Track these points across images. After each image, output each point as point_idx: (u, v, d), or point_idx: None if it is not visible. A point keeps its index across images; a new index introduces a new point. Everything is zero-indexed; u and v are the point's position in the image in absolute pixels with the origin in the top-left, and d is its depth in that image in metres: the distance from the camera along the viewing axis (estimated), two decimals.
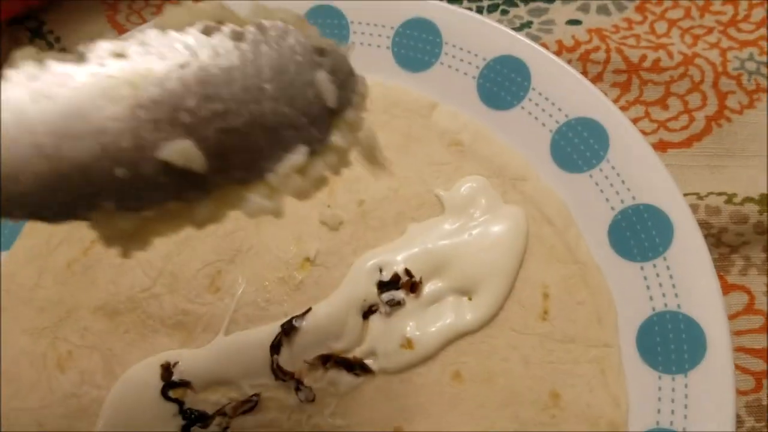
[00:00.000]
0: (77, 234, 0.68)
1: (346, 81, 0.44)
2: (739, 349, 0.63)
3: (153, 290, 0.66)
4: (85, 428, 0.61)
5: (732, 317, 0.64)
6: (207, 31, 0.38)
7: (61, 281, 0.67)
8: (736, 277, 0.66)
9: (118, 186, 0.35)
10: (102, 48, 0.37)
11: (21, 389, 0.63)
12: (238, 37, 0.39)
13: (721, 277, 0.65)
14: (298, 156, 0.40)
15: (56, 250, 0.68)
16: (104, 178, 0.34)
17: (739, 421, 0.61)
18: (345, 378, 0.61)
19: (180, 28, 0.38)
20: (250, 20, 0.40)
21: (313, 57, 0.42)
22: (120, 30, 0.81)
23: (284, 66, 0.40)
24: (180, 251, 0.67)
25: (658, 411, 0.57)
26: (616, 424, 0.58)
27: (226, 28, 0.39)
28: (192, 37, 0.38)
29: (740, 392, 0.62)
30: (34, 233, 0.69)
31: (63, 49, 0.81)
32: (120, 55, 0.36)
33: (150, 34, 0.37)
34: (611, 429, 0.58)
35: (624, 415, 0.58)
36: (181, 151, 0.36)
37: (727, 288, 0.65)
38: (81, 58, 0.36)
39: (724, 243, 0.66)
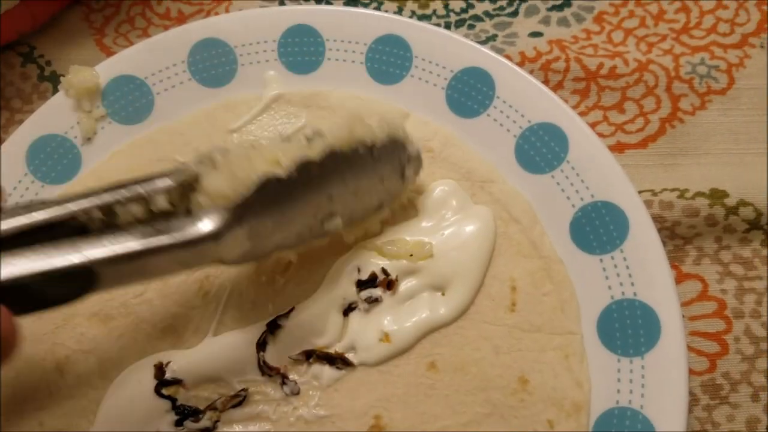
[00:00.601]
0: None
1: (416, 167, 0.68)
2: (693, 333, 0.67)
3: (145, 296, 0.69)
4: (84, 426, 0.65)
5: (687, 304, 0.68)
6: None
7: None
8: (690, 267, 0.70)
9: None
10: None
11: (23, 392, 0.67)
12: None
13: (675, 267, 0.69)
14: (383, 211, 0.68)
15: None
16: None
17: (695, 399, 0.65)
18: (327, 371, 0.65)
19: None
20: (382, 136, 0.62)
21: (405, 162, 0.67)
22: (108, 53, 0.85)
23: (391, 171, 0.65)
24: None
25: (618, 391, 0.61)
26: (580, 404, 0.62)
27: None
28: None
29: (696, 372, 0.66)
30: None
31: (54, 73, 0.85)
32: None
33: None
34: (575, 409, 0.62)
35: (587, 396, 0.62)
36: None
37: (681, 277, 0.69)
38: None
39: (678, 235, 0.71)
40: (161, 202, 0.55)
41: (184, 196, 0.55)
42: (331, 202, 0.60)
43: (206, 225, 0.51)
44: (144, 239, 0.50)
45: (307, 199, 0.58)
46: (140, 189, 0.54)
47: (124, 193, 0.54)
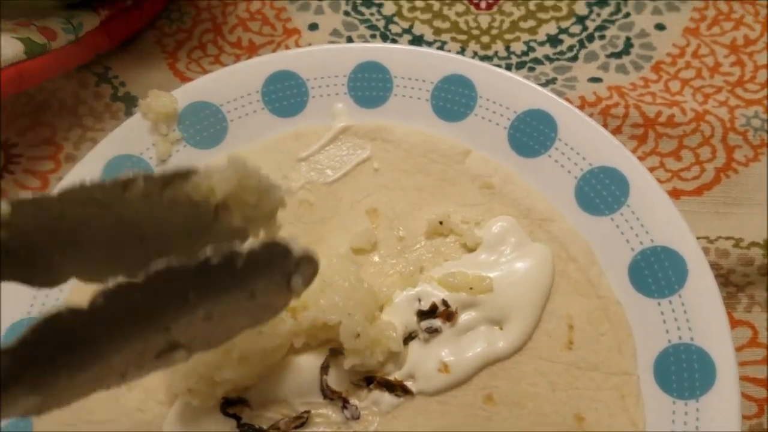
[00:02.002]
0: None
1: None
2: (743, 379, 0.69)
3: None
4: None
5: (737, 349, 0.70)
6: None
7: None
8: (741, 314, 0.72)
9: None
10: None
11: (91, 404, 0.68)
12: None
13: (728, 313, 0.71)
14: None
15: None
16: None
17: None
18: (387, 398, 0.67)
19: None
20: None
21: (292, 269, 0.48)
22: (181, 77, 0.88)
23: (267, 285, 0.47)
24: None
25: None
26: None
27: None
28: None
29: (744, 417, 0.68)
30: None
31: (127, 94, 0.89)
32: None
33: None
34: None
35: None
36: None
37: (733, 323, 0.71)
38: None
39: (731, 283, 0.73)
40: None
41: None
42: (168, 334, 0.43)
43: None
44: None
45: (126, 335, 0.41)
46: None
47: None
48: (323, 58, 0.82)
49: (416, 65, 0.81)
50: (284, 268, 0.47)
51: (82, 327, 0.38)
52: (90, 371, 0.41)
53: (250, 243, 0.44)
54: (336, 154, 0.80)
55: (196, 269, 0.40)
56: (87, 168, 0.77)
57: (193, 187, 0.45)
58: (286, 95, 0.81)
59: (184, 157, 0.79)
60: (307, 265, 0.49)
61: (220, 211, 0.47)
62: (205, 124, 0.80)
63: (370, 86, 0.81)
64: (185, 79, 0.84)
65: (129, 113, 0.87)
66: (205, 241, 0.43)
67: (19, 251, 0.44)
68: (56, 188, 0.42)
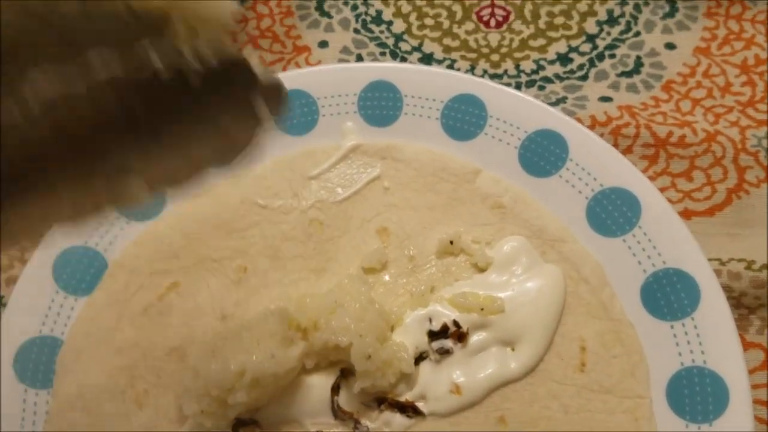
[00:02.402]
0: (154, 281, 0.75)
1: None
2: (756, 401, 0.68)
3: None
4: None
5: (750, 372, 0.69)
6: None
7: (138, 325, 0.73)
8: (753, 336, 0.72)
9: None
10: None
11: (101, 420, 0.69)
12: None
13: (740, 336, 0.71)
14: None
15: (134, 297, 0.74)
16: None
17: None
18: (398, 419, 0.67)
19: None
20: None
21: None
22: None
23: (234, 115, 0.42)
24: (248, 298, 0.74)
25: None
26: None
27: None
28: None
29: None
30: (113, 280, 0.76)
31: None
32: None
33: None
34: None
35: None
36: None
37: (745, 345, 0.71)
38: None
39: (743, 305, 0.73)
40: None
41: None
42: (115, 156, 0.40)
43: None
44: None
45: (73, 155, 0.38)
46: None
47: None
48: (334, 76, 0.82)
49: (426, 84, 0.81)
50: (247, 93, 0.42)
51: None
52: (39, 203, 0.39)
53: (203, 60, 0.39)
54: (346, 173, 0.80)
55: (144, 83, 0.36)
56: None
57: None
58: (296, 113, 0.81)
59: None
60: (274, 91, 0.43)
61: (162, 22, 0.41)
62: None
63: (380, 105, 0.81)
64: None
65: None
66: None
67: None
68: None
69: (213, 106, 0.41)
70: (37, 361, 0.71)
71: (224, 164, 0.46)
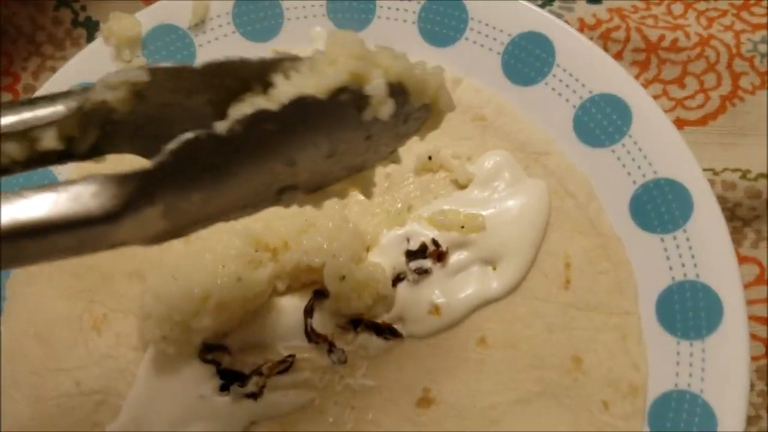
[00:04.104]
0: None
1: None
2: (750, 318, 0.65)
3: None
4: (122, 388, 0.63)
5: (744, 287, 0.66)
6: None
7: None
8: (747, 250, 0.69)
9: None
10: None
11: (57, 351, 0.65)
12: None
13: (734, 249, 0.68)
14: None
15: None
16: None
17: (750, 385, 0.64)
18: (375, 341, 0.64)
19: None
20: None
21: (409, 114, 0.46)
22: (147, 1, 0.81)
23: (383, 127, 0.44)
24: None
25: (677, 374, 0.60)
26: (636, 386, 0.61)
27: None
28: None
29: (751, 358, 0.65)
30: None
31: (89, 18, 0.81)
32: None
33: None
34: (631, 391, 0.61)
35: (644, 378, 0.61)
36: None
37: (739, 260, 0.67)
38: None
39: (737, 217, 0.69)
40: (49, 140, 0.40)
41: (86, 129, 0.42)
42: (292, 168, 0.44)
43: (94, 202, 0.35)
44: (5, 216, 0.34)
45: (258, 164, 0.41)
46: (17, 119, 0.40)
47: None
48: None
49: None
50: (401, 110, 0.44)
51: (217, 153, 0.38)
52: (218, 200, 0.42)
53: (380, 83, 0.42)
54: None
55: (327, 103, 0.40)
56: None
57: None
58: (259, 17, 0.74)
59: None
60: (421, 112, 0.47)
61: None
62: (171, 50, 0.74)
63: (351, 7, 0.74)
64: (150, 2, 0.77)
65: (91, 40, 0.80)
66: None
67: (153, 125, 0.44)
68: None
69: (374, 122, 0.43)
70: None
71: (361, 170, 0.50)
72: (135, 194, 0.36)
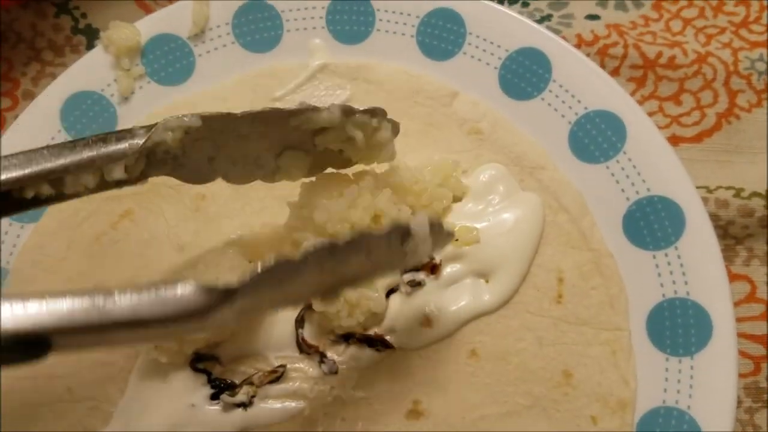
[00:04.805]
0: (105, 208, 0.70)
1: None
2: (740, 335, 0.66)
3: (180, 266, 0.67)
4: (114, 396, 0.64)
5: (735, 305, 0.66)
6: None
7: (89, 254, 0.69)
8: (739, 267, 0.69)
9: None
10: None
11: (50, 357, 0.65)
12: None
13: (725, 267, 0.68)
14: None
15: (85, 223, 0.70)
16: None
17: (738, 401, 0.64)
18: (366, 353, 0.64)
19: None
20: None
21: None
22: (146, 10, 0.82)
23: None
24: (207, 228, 0.69)
25: (665, 390, 0.61)
26: (625, 401, 0.61)
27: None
28: None
29: (740, 375, 0.64)
30: (62, 206, 0.70)
31: (89, 26, 0.82)
32: None
33: None
34: (620, 406, 0.61)
35: (633, 394, 0.61)
36: None
37: (731, 277, 0.68)
38: None
39: (730, 235, 0.69)
40: (118, 172, 0.51)
41: (147, 164, 0.53)
42: (339, 278, 0.50)
43: (190, 300, 0.41)
44: (98, 309, 0.40)
45: (316, 277, 0.48)
46: (93, 155, 0.50)
47: (74, 159, 0.49)
48: None
49: None
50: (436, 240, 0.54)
51: (288, 272, 0.44)
52: (278, 305, 0.52)
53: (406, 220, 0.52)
54: (313, 95, 0.74)
55: (379, 236, 0.49)
56: (43, 106, 0.72)
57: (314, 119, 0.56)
58: (258, 28, 0.75)
59: (147, 93, 0.74)
60: (447, 237, 0.56)
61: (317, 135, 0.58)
62: (170, 59, 0.74)
63: (350, 20, 0.75)
64: (150, 11, 0.77)
65: (91, 47, 0.81)
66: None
67: (185, 154, 0.55)
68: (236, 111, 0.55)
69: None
70: None
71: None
72: (221, 300, 0.42)
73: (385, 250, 0.50)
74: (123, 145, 0.51)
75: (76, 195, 0.51)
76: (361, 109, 0.57)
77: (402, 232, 0.50)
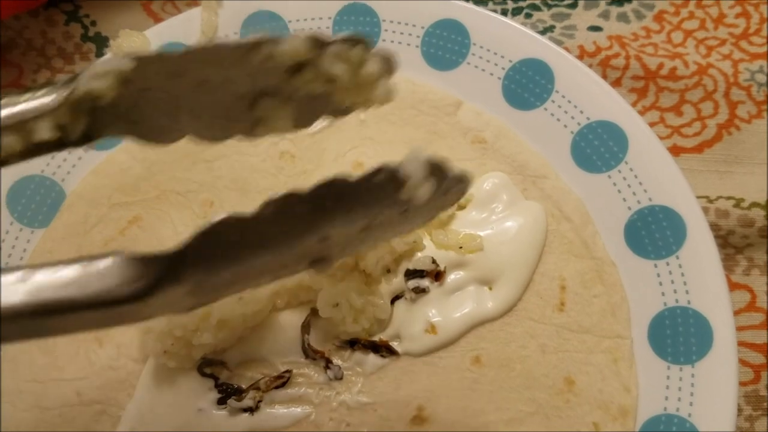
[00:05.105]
0: (114, 214, 0.71)
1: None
2: (740, 344, 0.67)
3: None
4: (122, 399, 0.64)
5: (735, 314, 0.67)
6: None
7: None
8: (739, 277, 0.70)
9: None
10: None
11: (59, 360, 0.66)
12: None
13: (726, 276, 0.69)
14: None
15: (94, 230, 0.71)
16: None
17: (738, 410, 0.65)
18: (371, 359, 0.65)
19: None
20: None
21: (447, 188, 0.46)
22: (155, 18, 0.83)
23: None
24: None
25: (666, 398, 0.61)
26: (627, 409, 0.62)
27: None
28: None
29: (740, 383, 0.65)
30: (71, 211, 0.72)
31: (98, 34, 0.83)
32: None
33: None
34: (622, 413, 0.62)
35: (634, 402, 0.62)
36: None
37: (731, 286, 0.69)
38: None
39: (730, 244, 0.70)
40: (44, 130, 0.42)
41: (77, 117, 0.43)
42: (325, 244, 0.44)
43: (120, 284, 0.36)
44: (31, 292, 0.35)
45: (289, 241, 0.42)
46: (10, 113, 0.41)
47: None
48: None
49: (406, 8, 0.75)
50: (440, 186, 0.44)
51: (246, 234, 0.38)
52: (247, 275, 0.43)
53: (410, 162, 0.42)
54: None
55: (360, 184, 0.40)
56: None
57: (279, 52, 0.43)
58: None
59: None
60: (461, 184, 0.47)
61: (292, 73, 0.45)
62: None
63: (356, 30, 0.76)
64: (160, 21, 0.78)
65: (100, 55, 0.82)
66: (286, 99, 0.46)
67: (137, 108, 0.45)
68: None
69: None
70: None
71: (395, 237, 0.56)
72: (161, 276, 0.36)
73: (377, 203, 0.42)
74: (46, 100, 0.42)
75: (5, 162, 0.43)
76: (337, 37, 0.45)
77: (391, 177, 0.41)
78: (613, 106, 0.69)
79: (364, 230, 0.45)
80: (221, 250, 0.38)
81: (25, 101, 0.42)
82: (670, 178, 0.66)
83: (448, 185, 0.45)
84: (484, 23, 0.74)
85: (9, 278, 0.35)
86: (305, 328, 0.65)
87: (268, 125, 0.49)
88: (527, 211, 0.69)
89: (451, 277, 0.67)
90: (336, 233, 0.43)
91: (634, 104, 0.76)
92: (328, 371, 0.64)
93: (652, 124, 0.75)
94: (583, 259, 0.67)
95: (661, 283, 0.64)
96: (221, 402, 0.63)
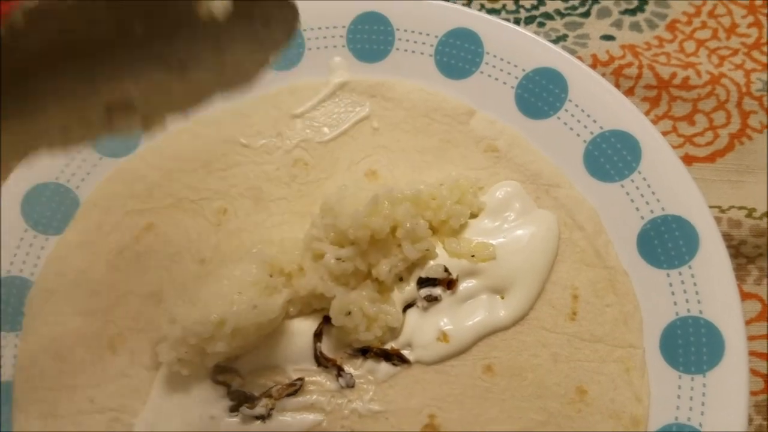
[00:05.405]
0: (129, 221, 0.71)
1: None
2: (751, 353, 0.67)
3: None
4: (136, 406, 0.65)
5: (746, 323, 0.67)
6: None
7: (113, 267, 0.70)
8: (751, 286, 0.70)
9: None
10: None
11: (73, 367, 0.66)
12: None
13: (737, 286, 0.69)
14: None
15: (108, 237, 0.71)
16: None
17: (749, 419, 0.65)
18: (383, 367, 0.65)
19: None
20: None
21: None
22: None
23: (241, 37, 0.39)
24: (228, 242, 0.70)
25: (677, 407, 0.62)
26: (638, 418, 0.62)
27: None
28: None
29: (750, 392, 0.65)
30: (85, 219, 0.72)
31: None
32: None
33: None
34: (633, 423, 0.62)
35: (646, 411, 0.62)
36: None
37: (742, 296, 0.68)
38: None
39: (742, 254, 0.71)
40: None
41: None
42: (119, 84, 0.38)
43: None
44: None
45: (69, 76, 0.36)
46: None
47: None
48: (321, 7, 0.77)
49: (420, 17, 0.76)
50: (260, 15, 0.38)
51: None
52: (28, 121, 0.36)
53: None
54: (333, 111, 0.76)
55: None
56: None
57: None
58: None
59: None
60: (285, 12, 0.40)
61: None
62: None
63: (370, 39, 0.77)
64: None
65: None
66: None
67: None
68: None
69: (222, 33, 0.38)
70: (5, 303, 0.68)
71: (227, 92, 0.43)
72: None
73: (180, 32, 0.36)
74: None
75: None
76: None
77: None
78: (626, 115, 0.69)
79: (169, 72, 0.38)
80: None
81: None
82: (683, 188, 0.66)
83: (267, 12, 0.38)
84: (498, 32, 0.74)
85: None
86: (318, 336, 0.65)
87: None
88: (540, 219, 0.69)
89: (464, 286, 0.67)
90: (130, 70, 0.37)
91: (646, 113, 0.76)
92: (340, 379, 0.64)
93: (664, 133, 0.75)
94: (596, 269, 0.68)
95: (673, 293, 0.64)
96: (233, 409, 0.63)
